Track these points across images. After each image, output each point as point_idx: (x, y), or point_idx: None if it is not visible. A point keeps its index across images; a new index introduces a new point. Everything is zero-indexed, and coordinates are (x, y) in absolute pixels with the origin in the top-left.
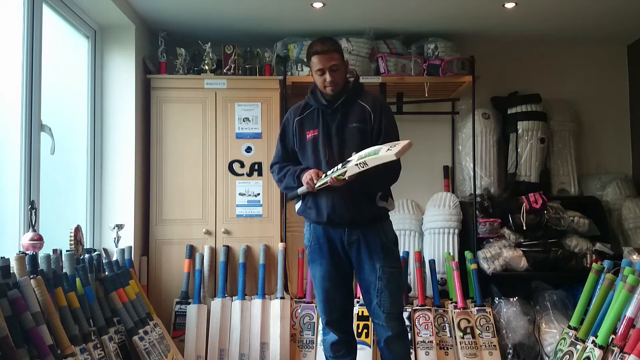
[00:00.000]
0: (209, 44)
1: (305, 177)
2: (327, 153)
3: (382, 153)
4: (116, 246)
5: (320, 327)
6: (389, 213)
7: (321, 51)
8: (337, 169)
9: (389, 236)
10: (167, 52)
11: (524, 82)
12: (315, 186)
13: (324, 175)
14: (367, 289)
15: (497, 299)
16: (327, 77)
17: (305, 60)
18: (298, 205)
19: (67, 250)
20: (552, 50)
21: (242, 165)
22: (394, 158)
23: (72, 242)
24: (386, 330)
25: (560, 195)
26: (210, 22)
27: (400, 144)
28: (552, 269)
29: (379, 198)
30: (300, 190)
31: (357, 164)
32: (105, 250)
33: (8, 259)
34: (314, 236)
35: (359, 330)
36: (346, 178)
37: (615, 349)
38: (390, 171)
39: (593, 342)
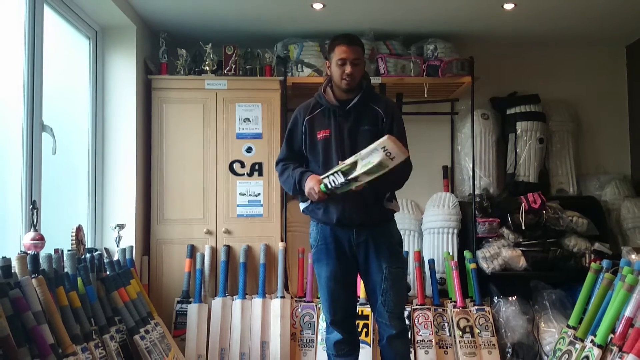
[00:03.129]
0: (210, 44)
1: (308, 192)
2: (339, 154)
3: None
4: (117, 246)
5: (320, 326)
6: (394, 214)
7: (348, 42)
8: (341, 171)
9: (395, 237)
10: (168, 53)
11: (523, 83)
12: (318, 191)
13: (325, 176)
14: (372, 288)
15: (496, 298)
16: (348, 68)
17: (305, 61)
18: (303, 205)
19: (68, 250)
20: (552, 50)
21: (243, 165)
22: (397, 159)
23: (74, 241)
24: (389, 328)
25: (559, 195)
26: (211, 23)
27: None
28: (551, 268)
29: (386, 200)
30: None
31: (365, 172)
32: (106, 249)
33: (9, 259)
34: (321, 236)
35: (359, 330)
36: (362, 184)
37: (614, 348)
38: (401, 172)
39: (592, 341)
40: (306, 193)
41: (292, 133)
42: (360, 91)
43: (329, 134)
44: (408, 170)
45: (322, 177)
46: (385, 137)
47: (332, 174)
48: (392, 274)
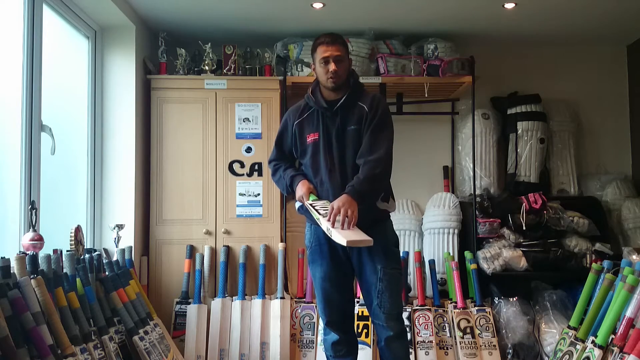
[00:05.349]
0: (209, 44)
1: (299, 199)
2: (327, 157)
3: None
4: (116, 246)
5: (321, 327)
6: (390, 214)
7: (328, 41)
8: (320, 209)
9: (390, 237)
10: (167, 53)
11: (524, 82)
12: (306, 203)
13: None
14: (368, 290)
15: (497, 299)
16: (331, 66)
17: (305, 60)
18: (297, 204)
19: (67, 251)
20: (552, 50)
21: (242, 165)
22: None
23: (73, 242)
24: (386, 330)
25: (559, 196)
26: (211, 22)
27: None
28: (551, 269)
29: (379, 200)
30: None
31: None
32: (105, 250)
33: (8, 259)
34: (315, 237)
35: (359, 330)
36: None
37: (615, 348)
38: (379, 180)
39: (593, 342)
40: (297, 199)
41: (281, 137)
42: (347, 90)
43: (318, 137)
44: (381, 173)
45: (311, 201)
46: (344, 243)
47: (321, 206)
48: (387, 275)
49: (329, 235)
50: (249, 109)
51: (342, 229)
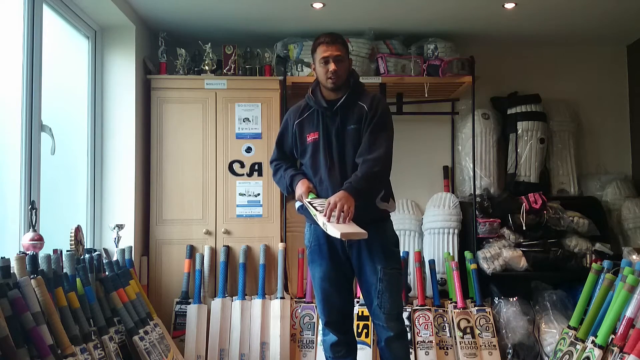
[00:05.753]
0: (209, 44)
1: (298, 198)
2: (327, 157)
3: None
4: (116, 246)
5: (320, 327)
6: (390, 214)
7: (328, 41)
8: (318, 206)
9: (390, 237)
10: (167, 53)
11: (524, 82)
12: (304, 201)
13: (312, 200)
14: (367, 290)
15: (497, 299)
16: (331, 66)
17: (305, 60)
18: (297, 204)
19: (67, 251)
20: (552, 50)
21: (242, 165)
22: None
23: (73, 242)
24: (386, 330)
25: (559, 196)
26: (211, 22)
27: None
28: (551, 269)
29: (379, 199)
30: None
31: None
32: (105, 250)
33: (8, 259)
34: (314, 237)
35: (359, 330)
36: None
37: (615, 348)
38: (378, 177)
39: (593, 342)
40: (296, 197)
41: (282, 137)
42: (347, 90)
43: (318, 137)
44: (379, 172)
45: (309, 199)
46: (338, 235)
47: (318, 204)
48: (387, 275)
49: (325, 229)
50: (249, 109)
51: (338, 223)
